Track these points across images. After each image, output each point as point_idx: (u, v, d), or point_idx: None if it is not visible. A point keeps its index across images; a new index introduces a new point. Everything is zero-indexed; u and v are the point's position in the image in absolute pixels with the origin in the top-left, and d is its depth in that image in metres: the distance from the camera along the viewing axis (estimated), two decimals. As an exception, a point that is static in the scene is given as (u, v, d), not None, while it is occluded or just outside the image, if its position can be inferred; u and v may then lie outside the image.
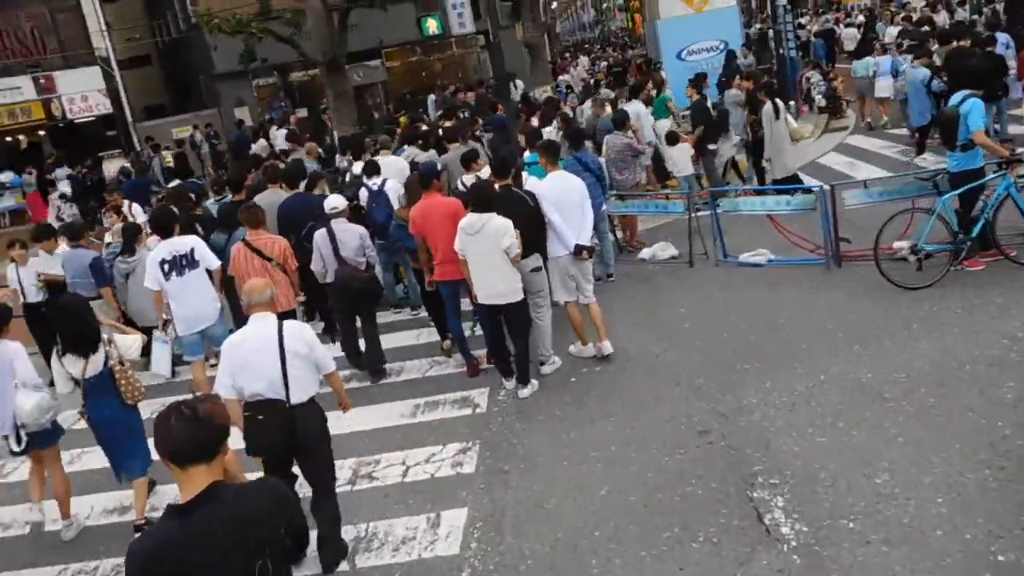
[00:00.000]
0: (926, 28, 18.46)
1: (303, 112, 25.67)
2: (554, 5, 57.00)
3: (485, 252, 6.67)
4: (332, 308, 8.68)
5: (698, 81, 12.70)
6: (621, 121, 10.81)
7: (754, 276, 8.87)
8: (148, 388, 6.25)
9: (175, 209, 8.89)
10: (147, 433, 5.70)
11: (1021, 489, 4.59)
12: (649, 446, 5.76)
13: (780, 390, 6.21)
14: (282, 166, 10.93)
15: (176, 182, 14.68)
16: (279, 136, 19.44)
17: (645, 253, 10.11)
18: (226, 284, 8.07)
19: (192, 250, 7.42)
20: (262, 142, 19.93)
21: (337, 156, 14.26)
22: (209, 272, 7.56)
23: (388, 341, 8.45)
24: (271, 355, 4.76)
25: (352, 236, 7.70)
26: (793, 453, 5.34)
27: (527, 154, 8.75)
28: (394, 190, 8.66)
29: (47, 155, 24.58)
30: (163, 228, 7.64)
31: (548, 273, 7.35)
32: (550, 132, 11.72)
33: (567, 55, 45.22)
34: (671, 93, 14.86)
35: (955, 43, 12.52)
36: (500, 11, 19.75)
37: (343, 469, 5.92)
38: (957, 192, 7.63)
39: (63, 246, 9.29)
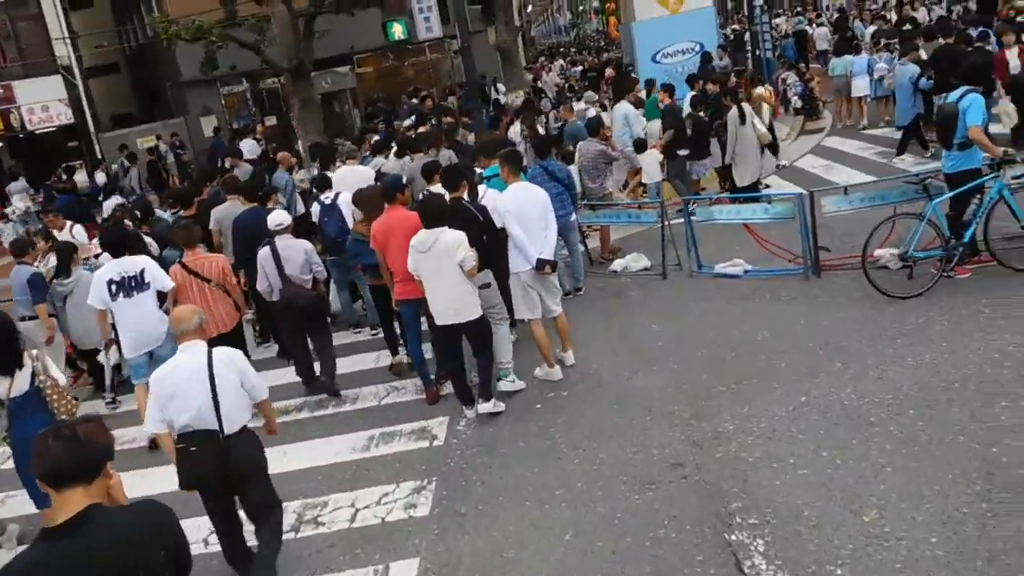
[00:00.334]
0: (908, 26, 18.26)
1: (272, 120, 25.12)
2: (529, 8, 56.75)
3: (439, 269, 6.28)
4: (280, 328, 8.27)
5: (669, 85, 12.32)
6: (595, 127, 10.44)
7: (730, 288, 8.45)
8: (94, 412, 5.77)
9: (129, 225, 8.55)
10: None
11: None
12: (618, 482, 5.29)
13: (759, 415, 5.77)
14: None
15: (114, 199, 14.19)
16: (246, 147, 18.93)
17: (617, 265, 9.68)
18: None
19: (143, 271, 7.09)
20: (252, 143, 19.33)
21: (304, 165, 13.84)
22: (163, 293, 7.21)
23: (344, 365, 8.00)
24: (201, 384, 4.62)
25: (296, 252, 7.35)
26: (774, 488, 4.90)
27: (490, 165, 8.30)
28: (348, 204, 8.20)
29: (6, 167, 23.90)
30: (113, 246, 7.38)
31: (511, 289, 7.05)
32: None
33: (542, 59, 44.83)
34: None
35: (941, 40, 12.22)
36: (470, 15, 19.36)
37: (287, 513, 5.42)
38: (951, 194, 7.24)
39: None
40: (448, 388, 7.06)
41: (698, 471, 5.24)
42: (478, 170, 8.36)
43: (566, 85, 25.42)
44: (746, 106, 10.85)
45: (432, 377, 7.19)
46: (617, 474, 5.39)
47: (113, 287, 6.97)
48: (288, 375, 7.98)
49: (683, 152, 11.40)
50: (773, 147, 12.95)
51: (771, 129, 13.44)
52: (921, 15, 21.72)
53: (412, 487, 5.75)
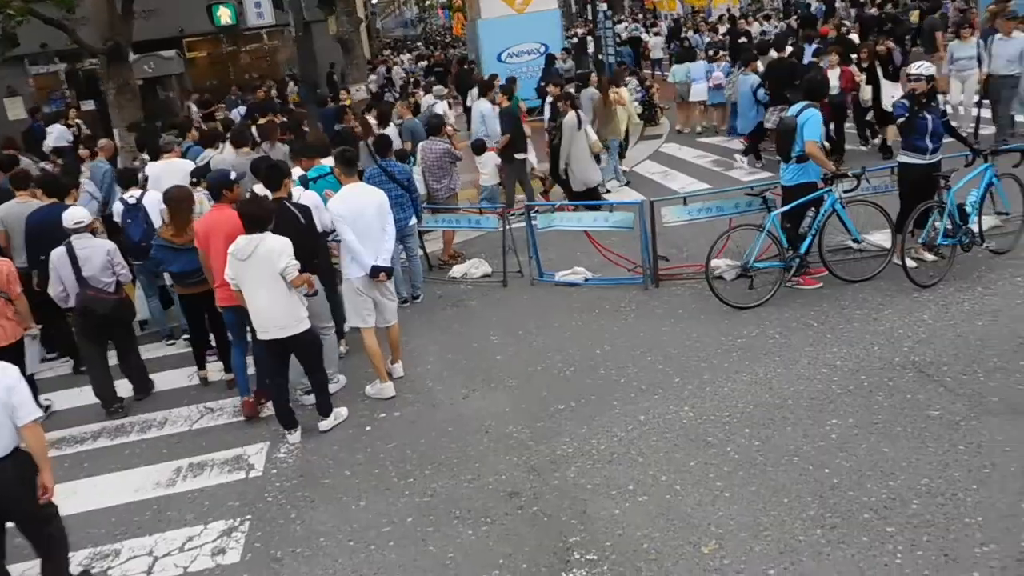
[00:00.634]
0: (742, 39, 18.98)
1: (89, 105, 23.01)
2: (374, 0, 55.55)
3: (260, 278, 5.71)
4: (76, 338, 7.35)
5: (508, 87, 12.03)
6: (437, 127, 9.99)
7: (570, 297, 8.27)
8: None
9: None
10: None
11: (856, 553, 4.11)
12: (451, 516, 4.90)
13: (598, 436, 5.55)
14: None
15: None
16: (54, 133, 17.17)
17: (456, 271, 9.31)
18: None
19: None
20: (62, 129, 17.44)
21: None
22: None
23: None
24: None
25: (97, 253, 6.63)
26: (613, 518, 4.66)
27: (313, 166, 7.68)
28: (155, 204, 7.36)
29: None
30: None
31: (343, 295, 6.65)
32: (392, 132, 10.55)
33: (387, 52, 43.91)
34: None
35: (774, 54, 12.61)
36: (307, 3, 18.39)
37: (72, 565, 4.68)
38: (789, 207, 7.34)
39: None
40: (270, 409, 6.43)
41: (535, 500, 4.94)
42: (295, 171, 7.65)
43: (411, 80, 24.84)
44: (581, 112, 10.75)
45: (250, 388, 6.59)
46: (450, 507, 4.99)
47: None
48: (84, 396, 7.08)
49: (520, 156, 11.15)
50: (621, 154, 13.10)
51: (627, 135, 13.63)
52: (755, 29, 22.72)
53: (222, 528, 5.11)
